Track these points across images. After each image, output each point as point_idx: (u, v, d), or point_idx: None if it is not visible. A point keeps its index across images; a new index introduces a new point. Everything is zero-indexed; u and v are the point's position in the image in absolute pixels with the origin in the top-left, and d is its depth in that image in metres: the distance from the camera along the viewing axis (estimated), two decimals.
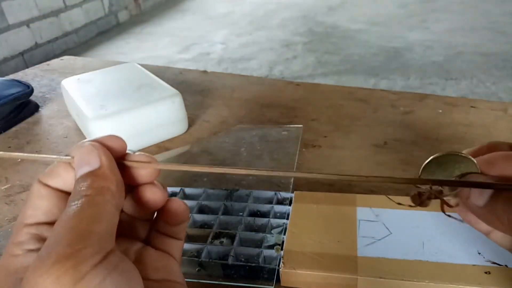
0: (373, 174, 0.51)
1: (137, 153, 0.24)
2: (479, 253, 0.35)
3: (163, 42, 3.23)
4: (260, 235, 0.40)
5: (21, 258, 0.21)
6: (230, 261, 0.38)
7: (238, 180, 0.50)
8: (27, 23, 2.80)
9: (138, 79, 0.67)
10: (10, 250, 0.21)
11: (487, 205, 0.21)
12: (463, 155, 0.23)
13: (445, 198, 0.23)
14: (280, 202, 0.45)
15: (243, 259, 0.39)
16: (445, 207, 0.24)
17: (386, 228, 0.39)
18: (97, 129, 0.57)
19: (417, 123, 0.62)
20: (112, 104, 0.59)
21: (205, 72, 0.88)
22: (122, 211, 0.25)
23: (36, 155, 0.26)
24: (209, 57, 2.83)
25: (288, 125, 0.63)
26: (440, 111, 0.65)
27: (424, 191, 0.23)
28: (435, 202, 0.24)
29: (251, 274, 0.37)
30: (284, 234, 0.40)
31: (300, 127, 0.62)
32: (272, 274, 0.37)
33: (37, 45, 2.89)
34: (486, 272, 0.34)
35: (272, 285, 0.36)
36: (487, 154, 0.23)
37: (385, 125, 0.62)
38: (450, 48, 2.62)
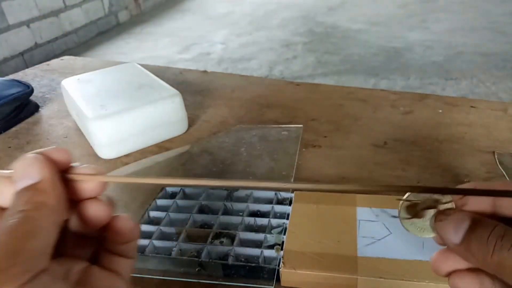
0: (373, 174, 0.52)
1: (85, 165, 0.23)
2: None
3: (163, 42, 3.23)
4: (260, 235, 0.40)
5: None
6: (230, 261, 0.38)
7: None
8: (27, 23, 2.80)
9: (138, 79, 0.67)
10: None
11: (463, 243, 0.21)
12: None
13: (440, 208, 0.23)
14: (280, 202, 0.45)
15: (243, 259, 0.39)
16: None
17: (386, 228, 0.39)
18: (97, 129, 0.57)
19: (417, 123, 0.62)
20: (112, 104, 0.59)
21: (205, 72, 0.88)
22: (67, 227, 0.24)
23: None
24: (209, 57, 2.83)
25: (288, 125, 0.63)
26: (440, 111, 0.65)
27: (418, 201, 0.23)
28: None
29: (251, 274, 0.37)
30: (284, 234, 0.40)
31: (300, 127, 0.62)
32: (272, 274, 0.37)
33: (37, 45, 2.89)
34: None
35: (272, 285, 0.36)
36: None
37: (385, 125, 0.62)
38: (450, 48, 2.62)
